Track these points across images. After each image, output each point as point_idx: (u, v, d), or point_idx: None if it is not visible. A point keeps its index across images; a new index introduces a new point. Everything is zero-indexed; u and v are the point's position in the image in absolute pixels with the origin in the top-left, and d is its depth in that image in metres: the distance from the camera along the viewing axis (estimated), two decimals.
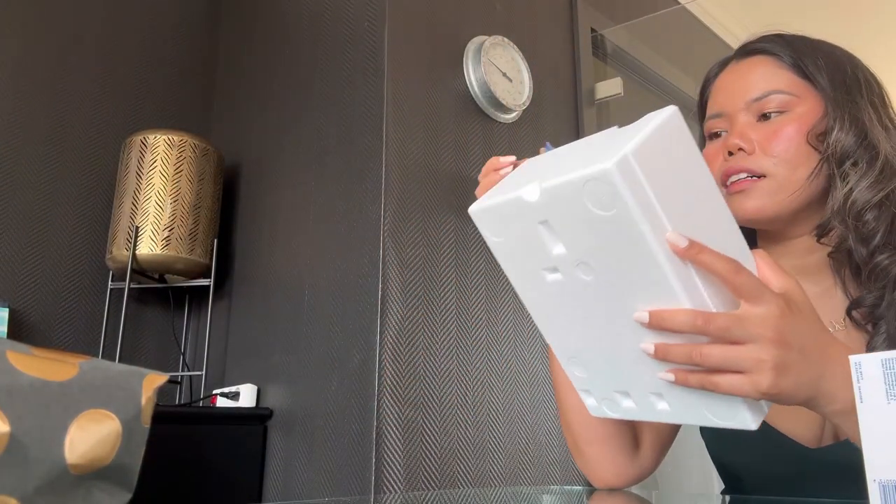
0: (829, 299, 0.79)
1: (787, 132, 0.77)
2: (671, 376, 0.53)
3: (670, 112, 0.49)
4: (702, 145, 0.91)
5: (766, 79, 0.80)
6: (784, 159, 0.76)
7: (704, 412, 0.54)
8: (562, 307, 0.56)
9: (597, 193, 0.46)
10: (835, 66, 0.80)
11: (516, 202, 0.52)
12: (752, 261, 0.55)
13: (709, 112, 0.86)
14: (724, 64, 0.88)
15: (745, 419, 0.53)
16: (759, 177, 0.77)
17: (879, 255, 0.73)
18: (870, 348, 0.72)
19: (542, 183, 0.49)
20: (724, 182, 0.79)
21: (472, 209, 0.56)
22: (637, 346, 0.53)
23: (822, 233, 0.77)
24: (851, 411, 0.55)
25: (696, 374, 0.52)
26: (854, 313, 0.75)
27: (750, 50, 0.84)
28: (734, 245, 0.53)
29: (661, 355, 0.52)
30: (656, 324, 0.50)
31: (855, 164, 0.75)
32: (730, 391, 0.51)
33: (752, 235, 0.90)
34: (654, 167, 0.46)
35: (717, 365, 0.51)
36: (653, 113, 0.50)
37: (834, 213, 0.75)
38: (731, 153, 0.79)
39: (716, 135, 0.84)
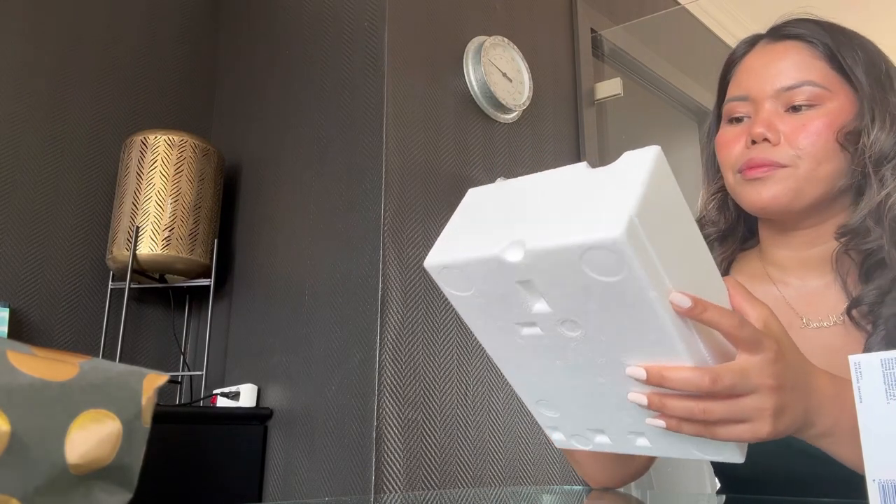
0: (829, 293, 0.78)
1: (816, 127, 0.74)
2: (662, 423, 0.50)
3: (656, 154, 0.45)
4: (714, 122, 0.88)
5: (799, 68, 0.77)
6: (810, 153, 0.74)
7: (690, 448, 0.53)
8: (536, 358, 0.51)
9: (598, 260, 0.42)
10: (871, 60, 0.77)
11: (492, 261, 0.45)
12: (724, 288, 0.52)
13: (732, 93, 0.82)
14: (752, 43, 0.84)
15: (733, 454, 0.53)
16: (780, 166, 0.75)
17: None
18: (867, 347, 0.72)
19: (527, 243, 0.43)
20: (741, 168, 0.77)
21: (431, 264, 0.48)
22: (622, 392, 0.50)
23: (854, 233, 0.74)
24: (827, 433, 0.56)
25: (693, 424, 0.50)
26: (853, 312, 0.74)
27: (784, 34, 0.80)
28: (711, 275, 0.51)
29: (656, 407, 0.49)
30: (656, 382, 0.48)
31: (894, 167, 0.73)
32: (729, 439, 0.51)
33: (754, 223, 0.89)
34: (652, 223, 0.42)
35: (721, 419, 0.50)
36: (635, 154, 0.45)
37: (869, 214, 0.73)
38: (754, 141, 0.76)
39: (737, 118, 0.81)
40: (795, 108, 0.76)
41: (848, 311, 0.75)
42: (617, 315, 0.45)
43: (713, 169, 0.91)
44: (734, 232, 0.89)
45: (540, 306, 0.46)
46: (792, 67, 0.77)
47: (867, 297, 0.73)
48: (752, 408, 0.50)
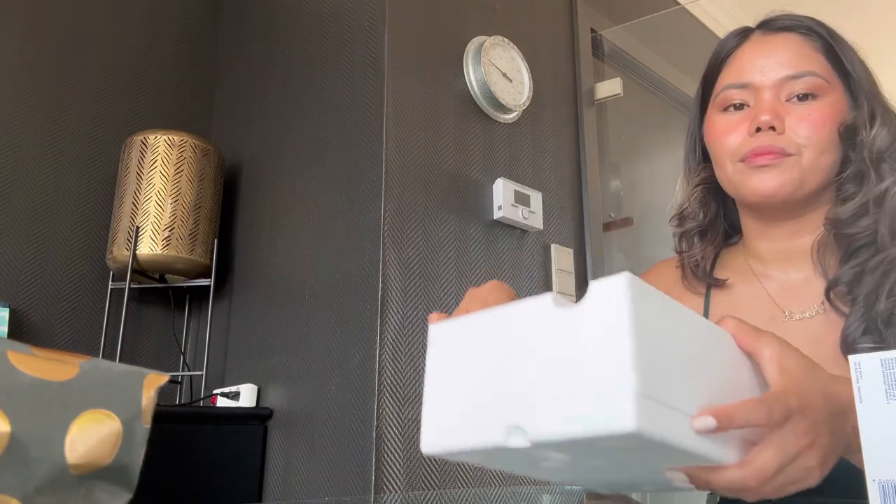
0: (811, 285, 0.79)
1: (820, 117, 0.75)
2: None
3: (628, 288, 0.38)
4: (698, 114, 0.88)
5: (802, 58, 0.78)
6: (814, 143, 0.75)
7: None
8: (563, 472, 0.50)
9: (610, 440, 0.38)
10: (860, 57, 0.79)
11: (495, 449, 0.42)
12: (729, 340, 0.50)
13: (727, 81, 0.82)
14: (743, 35, 0.85)
15: None
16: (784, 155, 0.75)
17: None
18: (846, 326, 0.72)
19: (528, 431, 0.39)
20: (745, 156, 0.77)
21: (428, 452, 0.45)
22: (659, 475, 0.48)
23: (852, 220, 0.75)
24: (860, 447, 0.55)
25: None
26: (832, 295, 0.74)
27: (781, 26, 0.81)
28: (719, 350, 0.48)
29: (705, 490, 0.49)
30: (701, 486, 0.47)
31: (892, 162, 0.74)
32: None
33: (735, 219, 0.89)
34: (654, 370, 0.38)
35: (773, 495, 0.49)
36: (606, 291, 0.39)
37: (865, 206, 0.74)
38: (758, 129, 0.76)
39: (734, 106, 0.81)
40: (798, 98, 0.77)
41: (826, 294, 0.75)
42: (642, 454, 0.42)
43: (695, 160, 0.91)
44: (714, 226, 0.90)
45: (557, 456, 0.43)
46: (794, 57, 0.78)
47: (844, 277, 0.73)
48: (798, 471, 0.48)
